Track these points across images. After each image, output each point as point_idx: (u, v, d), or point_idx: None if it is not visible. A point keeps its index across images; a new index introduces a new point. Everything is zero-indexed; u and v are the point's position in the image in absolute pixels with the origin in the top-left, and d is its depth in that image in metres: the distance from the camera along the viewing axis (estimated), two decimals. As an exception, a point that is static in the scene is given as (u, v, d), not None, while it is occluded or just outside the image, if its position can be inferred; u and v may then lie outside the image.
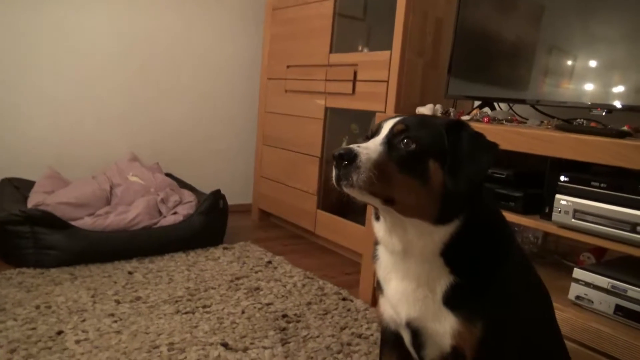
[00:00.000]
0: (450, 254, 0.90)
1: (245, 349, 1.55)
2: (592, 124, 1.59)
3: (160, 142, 3.12)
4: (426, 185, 0.86)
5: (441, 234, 0.89)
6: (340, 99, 2.54)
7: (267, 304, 1.89)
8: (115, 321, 1.66)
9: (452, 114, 1.93)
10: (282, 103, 3.00)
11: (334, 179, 0.86)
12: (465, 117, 1.83)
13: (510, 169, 1.63)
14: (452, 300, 0.90)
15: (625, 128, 1.45)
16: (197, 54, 3.17)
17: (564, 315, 1.34)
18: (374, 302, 1.95)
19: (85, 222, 2.24)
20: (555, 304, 1.15)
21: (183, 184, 2.92)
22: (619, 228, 1.25)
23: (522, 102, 1.78)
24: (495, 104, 2.00)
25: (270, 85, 3.12)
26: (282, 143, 2.99)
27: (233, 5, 3.24)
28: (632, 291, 1.26)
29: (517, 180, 1.61)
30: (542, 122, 1.77)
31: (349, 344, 1.63)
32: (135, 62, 2.97)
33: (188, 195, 2.68)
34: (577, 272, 1.38)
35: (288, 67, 2.93)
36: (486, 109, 1.98)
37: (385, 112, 2.16)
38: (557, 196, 1.40)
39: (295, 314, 1.82)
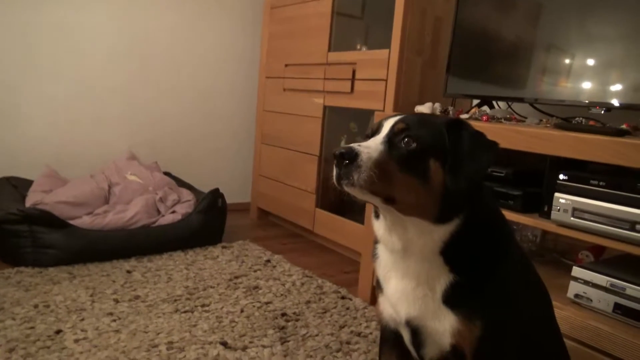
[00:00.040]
0: (450, 253, 0.90)
1: (244, 348, 1.55)
2: (591, 123, 1.59)
3: (158, 141, 3.11)
4: (427, 184, 0.86)
5: (441, 232, 0.89)
6: (338, 97, 2.54)
7: (266, 303, 1.89)
8: (114, 320, 1.66)
9: (451, 112, 1.93)
10: (280, 102, 3.00)
11: (334, 178, 0.85)
12: (464, 116, 1.83)
13: (509, 168, 1.64)
14: (451, 299, 0.90)
15: (623, 126, 1.45)
16: (196, 53, 3.16)
17: (563, 314, 1.34)
18: (373, 301, 1.95)
19: (84, 221, 2.24)
20: (554, 303, 1.15)
21: (181, 183, 2.91)
22: (617, 226, 1.26)
23: (520, 100, 1.78)
24: (494, 102, 2.00)
25: (268, 83, 3.11)
26: (280, 142, 2.99)
27: (231, 4, 3.23)
28: (631, 289, 1.27)
29: (516, 179, 1.61)
30: (540, 120, 1.77)
31: (348, 343, 1.64)
32: (134, 62, 2.96)
33: (186, 194, 2.67)
34: (576, 271, 1.38)
35: (286, 65, 2.93)
36: (485, 108, 1.98)
37: (384, 110, 2.16)
38: (556, 194, 1.40)
39: (294, 313, 1.82)
